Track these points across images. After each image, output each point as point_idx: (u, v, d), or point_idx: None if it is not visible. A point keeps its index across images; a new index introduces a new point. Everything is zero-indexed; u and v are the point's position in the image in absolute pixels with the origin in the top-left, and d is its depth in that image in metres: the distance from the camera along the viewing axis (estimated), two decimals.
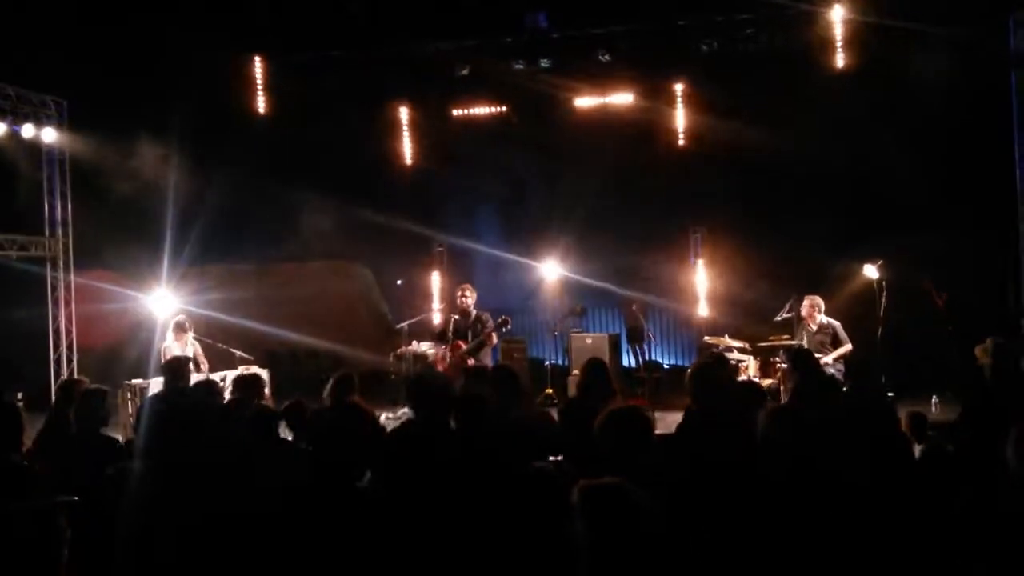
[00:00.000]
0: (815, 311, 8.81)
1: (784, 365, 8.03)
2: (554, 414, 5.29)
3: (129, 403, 8.97)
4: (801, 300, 9.09)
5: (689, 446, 4.04)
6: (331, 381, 5.32)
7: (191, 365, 8.03)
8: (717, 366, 5.18)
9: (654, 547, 2.24)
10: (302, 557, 3.27)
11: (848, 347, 8.64)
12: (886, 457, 3.60)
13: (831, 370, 8.37)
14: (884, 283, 9.55)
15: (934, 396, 9.05)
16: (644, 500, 2.31)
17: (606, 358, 10.15)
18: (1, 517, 3.42)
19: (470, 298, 9.05)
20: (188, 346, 8.97)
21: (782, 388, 8.32)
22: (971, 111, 10.22)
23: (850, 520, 3.09)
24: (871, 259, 9.66)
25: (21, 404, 8.70)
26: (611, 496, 2.29)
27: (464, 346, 8.71)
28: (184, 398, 5.38)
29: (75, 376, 9.51)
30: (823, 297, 9.03)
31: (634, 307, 11.30)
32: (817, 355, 7.72)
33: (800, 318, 9.11)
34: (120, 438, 5.77)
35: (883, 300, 9.47)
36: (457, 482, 3.46)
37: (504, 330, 9.33)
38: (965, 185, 10.14)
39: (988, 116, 10.28)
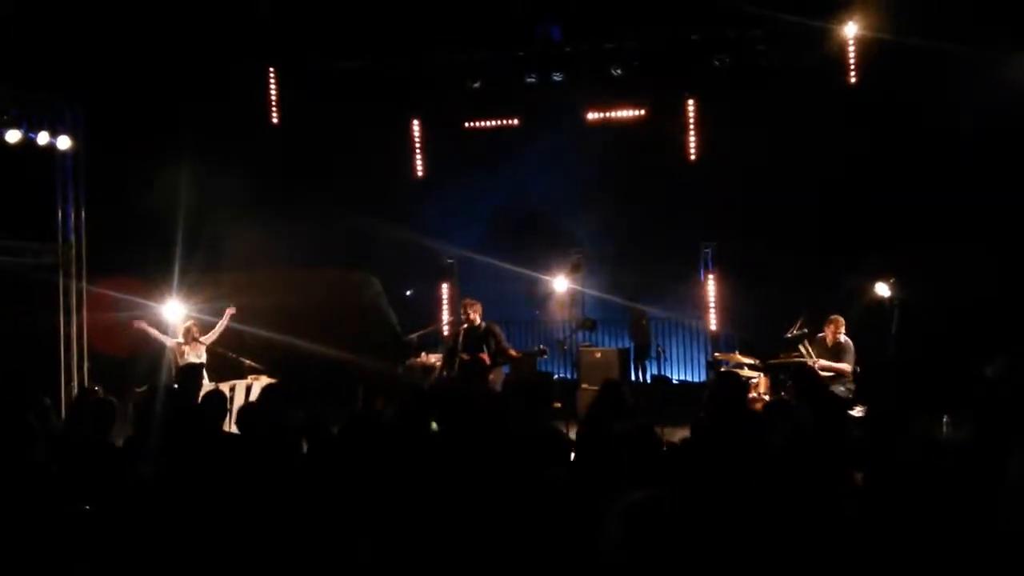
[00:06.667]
0: (839, 330, 8.70)
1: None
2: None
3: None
4: (811, 316, 9.03)
5: (698, 461, 4.02)
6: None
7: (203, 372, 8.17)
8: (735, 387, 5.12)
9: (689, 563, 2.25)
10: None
11: (845, 367, 8.51)
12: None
13: (841, 388, 8.32)
14: (896, 300, 9.49)
15: (945, 416, 8.96)
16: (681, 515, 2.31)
17: (615, 372, 10.14)
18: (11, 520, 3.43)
19: (474, 312, 9.01)
20: (202, 351, 9.09)
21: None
22: (987, 130, 10.18)
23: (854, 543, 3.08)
24: (883, 276, 9.61)
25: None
26: (658, 510, 2.28)
27: (487, 359, 8.61)
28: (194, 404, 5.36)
29: (89, 386, 9.53)
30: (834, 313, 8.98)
31: (643, 322, 11.25)
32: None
33: (817, 334, 9.02)
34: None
35: (895, 317, 9.41)
36: (472, 487, 3.47)
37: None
38: (980, 203, 10.08)
39: (1004, 135, 10.23)
